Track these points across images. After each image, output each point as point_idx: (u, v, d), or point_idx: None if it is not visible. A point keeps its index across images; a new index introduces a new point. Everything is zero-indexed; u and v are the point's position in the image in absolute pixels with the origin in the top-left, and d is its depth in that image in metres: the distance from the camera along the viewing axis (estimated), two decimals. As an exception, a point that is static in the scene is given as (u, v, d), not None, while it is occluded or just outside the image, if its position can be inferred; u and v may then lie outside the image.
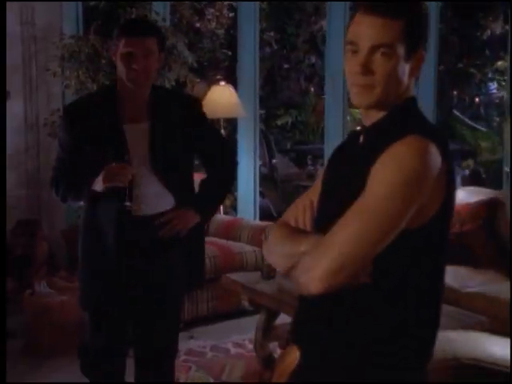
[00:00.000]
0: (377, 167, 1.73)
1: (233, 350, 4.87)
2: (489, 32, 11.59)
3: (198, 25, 9.90)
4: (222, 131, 6.48)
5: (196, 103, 3.30)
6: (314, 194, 2.02)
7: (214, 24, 10.03)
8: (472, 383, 2.32)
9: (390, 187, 1.70)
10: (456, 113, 9.84)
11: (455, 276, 4.83)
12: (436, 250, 1.86)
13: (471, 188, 5.90)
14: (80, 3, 6.09)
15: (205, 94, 6.46)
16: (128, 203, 3.04)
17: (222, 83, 6.43)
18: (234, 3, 8.91)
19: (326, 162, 2.13)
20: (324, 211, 1.94)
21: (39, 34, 5.82)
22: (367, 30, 1.76)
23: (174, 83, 6.00)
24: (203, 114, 3.30)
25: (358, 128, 2.01)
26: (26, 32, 5.84)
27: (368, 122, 1.88)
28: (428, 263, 1.84)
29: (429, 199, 1.74)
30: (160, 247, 3.15)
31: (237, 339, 5.00)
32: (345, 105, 6.84)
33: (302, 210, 1.99)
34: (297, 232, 1.95)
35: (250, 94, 6.72)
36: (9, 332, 4.84)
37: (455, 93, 11.07)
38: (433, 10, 6.57)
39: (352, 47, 1.79)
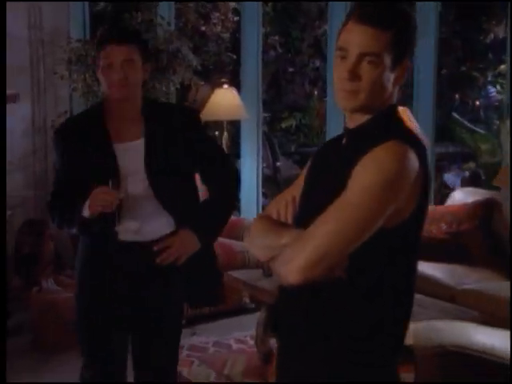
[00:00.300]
0: (358, 169, 1.83)
1: (234, 346, 4.99)
2: (492, 36, 11.65)
3: (203, 28, 9.96)
4: (225, 133, 6.57)
5: (194, 116, 3.08)
6: (296, 189, 2.11)
7: (219, 28, 10.07)
8: (456, 369, 2.44)
9: (369, 188, 1.79)
10: (455, 116, 9.91)
11: (452, 274, 4.97)
12: (410, 250, 1.96)
13: (469, 189, 6.02)
14: (87, 8, 6.17)
15: (209, 96, 6.53)
16: (117, 228, 2.89)
17: (225, 86, 6.49)
18: (238, 7, 9.00)
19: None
20: (305, 208, 2.03)
21: (47, 38, 5.86)
22: (357, 38, 1.86)
23: (178, 86, 6.10)
24: (202, 128, 3.13)
25: None
26: (34, 36, 5.88)
27: (352, 125, 1.97)
28: (402, 262, 1.94)
29: (405, 201, 1.85)
30: (156, 274, 2.95)
31: (238, 335, 5.12)
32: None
33: (284, 205, 2.08)
34: (278, 225, 2.03)
35: (253, 97, 6.77)
36: (14, 328, 4.98)
37: (457, 96, 11.14)
38: (432, 13, 6.65)
39: (341, 53, 1.89)
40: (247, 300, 5.60)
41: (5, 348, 2.87)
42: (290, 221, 2.05)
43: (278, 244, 1.91)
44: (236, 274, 4.84)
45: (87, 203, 2.82)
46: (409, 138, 1.90)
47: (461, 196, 5.72)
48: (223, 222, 3.08)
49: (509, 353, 2.42)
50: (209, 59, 9.78)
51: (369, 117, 1.94)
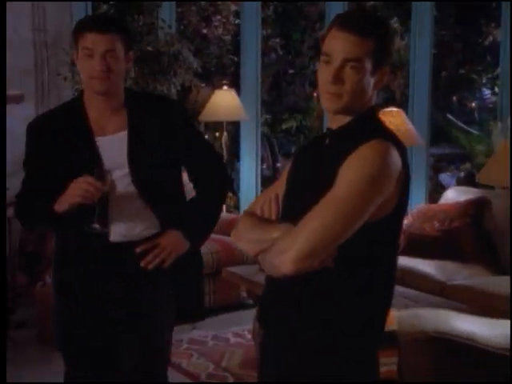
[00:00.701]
0: (344, 167, 1.96)
1: (232, 340, 5.13)
2: (491, 38, 11.76)
3: (205, 31, 10.02)
4: (225, 134, 6.70)
5: (178, 107, 2.92)
6: (279, 188, 2.23)
7: (220, 30, 10.13)
8: (438, 353, 2.58)
9: (355, 183, 1.92)
10: (450, 117, 10.03)
11: (443, 270, 5.11)
12: (391, 244, 2.11)
13: (461, 188, 6.14)
14: (89, 11, 6.27)
15: (209, 98, 6.63)
16: (97, 225, 2.62)
17: (225, 88, 6.61)
18: (239, 9, 9.10)
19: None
20: (289, 205, 2.14)
21: (50, 41, 5.94)
22: (341, 44, 2.00)
23: (179, 88, 6.19)
24: (189, 121, 2.96)
25: None
26: (38, 38, 5.95)
27: (334, 126, 2.11)
28: (385, 255, 2.09)
29: (389, 196, 1.98)
30: (140, 278, 2.76)
31: (236, 330, 5.26)
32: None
33: (267, 202, 2.18)
34: (266, 221, 2.14)
35: (252, 98, 6.87)
36: (19, 323, 5.13)
37: (455, 98, 11.25)
38: (427, 17, 6.79)
39: (326, 58, 2.03)
40: (244, 295, 5.73)
41: (5, 348, 2.82)
42: (273, 217, 2.14)
43: (269, 238, 2.02)
44: (234, 269, 4.99)
45: (64, 196, 2.60)
46: (391, 138, 2.04)
47: (453, 195, 5.86)
48: (212, 222, 2.89)
49: (488, 339, 2.57)
50: (210, 61, 9.87)
51: (350, 118, 2.07)
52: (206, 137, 8.56)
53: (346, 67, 2.00)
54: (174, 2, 6.54)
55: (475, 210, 5.44)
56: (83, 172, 2.59)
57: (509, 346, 2.52)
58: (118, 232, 2.72)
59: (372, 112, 2.12)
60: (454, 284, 4.91)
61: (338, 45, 2.01)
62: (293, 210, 2.07)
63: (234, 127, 7.76)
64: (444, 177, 9.22)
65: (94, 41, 2.60)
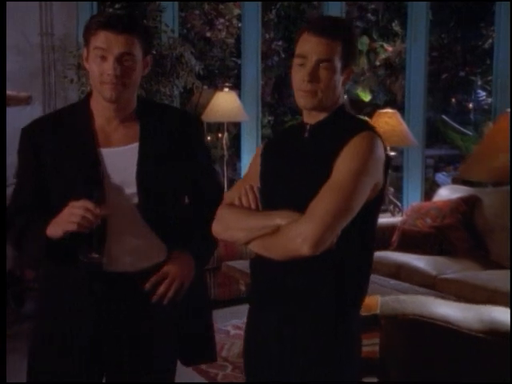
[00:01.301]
0: (342, 157, 2.17)
1: (232, 332, 5.34)
2: (490, 41, 11.90)
3: (208, 34, 10.13)
4: (226, 134, 6.90)
5: (197, 122, 2.57)
6: (251, 179, 2.38)
7: (224, 33, 10.23)
8: (416, 334, 2.79)
9: (354, 170, 2.14)
10: (445, 118, 10.17)
11: (434, 264, 5.31)
12: (376, 222, 2.34)
13: (454, 186, 6.32)
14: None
15: (211, 99, 6.82)
16: (96, 255, 2.27)
17: (226, 90, 6.81)
18: (241, 12, 9.22)
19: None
20: (277, 194, 2.29)
21: (57, 44, 6.07)
22: (314, 47, 2.21)
23: (182, 90, 6.37)
24: (203, 138, 2.62)
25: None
26: (46, 42, 6.09)
27: (311, 121, 2.31)
28: (373, 231, 2.32)
29: (378, 179, 2.22)
30: (140, 312, 2.41)
31: (236, 322, 5.45)
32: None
33: (244, 193, 2.33)
34: (256, 210, 2.29)
35: (253, 99, 7.03)
36: (26, 315, 5.33)
37: (454, 100, 11.40)
38: (422, 21, 6.95)
39: (300, 60, 2.24)
40: (244, 288, 5.92)
41: (5, 349, 2.76)
42: (253, 207, 2.29)
43: (269, 224, 2.16)
44: (233, 263, 5.19)
45: (57, 221, 2.25)
46: (374, 129, 2.28)
47: (446, 193, 6.05)
48: (215, 243, 2.55)
49: (461, 321, 2.78)
50: (214, 64, 10.01)
51: (325, 114, 2.29)
52: (209, 138, 8.77)
53: (319, 67, 2.21)
54: (176, 7, 6.70)
55: (466, 207, 5.64)
56: (81, 188, 2.27)
57: (480, 328, 2.73)
58: (121, 262, 2.37)
59: (345, 108, 2.34)
60: (444, 277, 5.10)
61: (311, 47, 2.22)
62: (281, 199, 2.25)
63: (237, 128, 7.92)
64: (440, 176, 9.39)
65: (109, 40, 2.26)
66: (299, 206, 2.15)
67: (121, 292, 2.38)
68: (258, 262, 2.31)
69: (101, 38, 2.28)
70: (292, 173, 2.30)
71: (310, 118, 2.33)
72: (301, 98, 2.27)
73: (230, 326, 5.44)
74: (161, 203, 2.39)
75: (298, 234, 2.10)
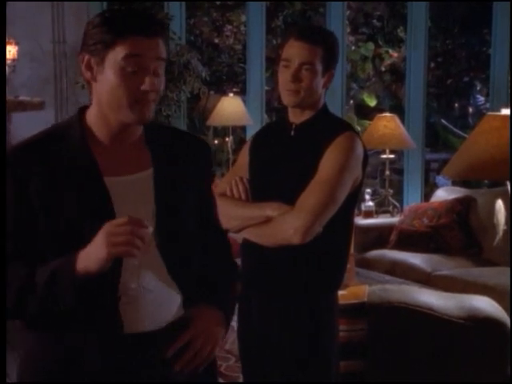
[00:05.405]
0: (327, 155, 2.44)
1: (235, 326, 5.52)
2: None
3: (216, 41, 10.38)
4: (231, 137, 7.10)
5: (209, 152, 2.07)
6: (240, 171, 2.65)
7: (231, 40, 10.51)
8: (401, 320, 3.01)
9: (339, 167, 2.42)
10: (444, 122, 10.29)
11: (430, 262, 5.51)
12: (353, 211, 2.63)
13: (450, 187, 6.53)
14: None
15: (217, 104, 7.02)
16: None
17: (231, 95, 7.05)
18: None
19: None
20: (265, 187, 2.56)
21: (69, 52, 6.23)
22: (298, 51, 2.48)
23: (189, 95, 6.56)
24: (211, 172, 2.11)
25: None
26: (58, 50, 6.30)
27: (295, 120, 2.57)
28: (351, 220, 2.60)
29: (358, 174, 2.50)
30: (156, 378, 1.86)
31: (239, 318, 5.65)
32: (343, 114, 7.26)
33: (234, 184, 2.60)
34: (247, 201, 2.56)
35: (257, 103, 7.17)
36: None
37: (457, 105, 11.52)
38: (421, 29, 7.12)
39: (285, 63, 2.51)
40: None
41: (5, 349, 2.68)
42: (243, 198, 2.57)
43: (261, 215, 2.45)
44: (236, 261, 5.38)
45: (94, 247, 1.69)
46: (354, 129, 2.56)
47: (443, 194, 6.25)
48: (236, 292, 2.16)
49: (444, 308, 2.99)
50: (222, 70, 10.24)
51: (310, 113, 2.54)
52: (216, 142, 8.97)
53: (302, 69, 2.48)
54: (184, 15, 6.88)
55: (461, 207, 5.81)
56: (88, 228, 1.74)
57: (460, 315, 2.95)
58: (143, 318, 1.85)
59: (327, 108, 2.60)
60: (438, 274, 5.30)
61: (295, 52, 2.49)
62: (269, 191, 2.51)
63: (243, 131, 8.10)
64: (439, 179, 9.55)
65: (142, 47, 1.78)
66: (286, 197, 2.42)
67: (134, 356, 1.84)
68: (246, 245, 2.58)
69: (132, 44, 1.78)
70: (279, 167, 2.55)
71: (295, 118, 2.58)
72: (285, 97, 2.53)
73: (234, 321, 5.60)
74: (181, 244, 1.91)
75: (290, 226, 2.37)
